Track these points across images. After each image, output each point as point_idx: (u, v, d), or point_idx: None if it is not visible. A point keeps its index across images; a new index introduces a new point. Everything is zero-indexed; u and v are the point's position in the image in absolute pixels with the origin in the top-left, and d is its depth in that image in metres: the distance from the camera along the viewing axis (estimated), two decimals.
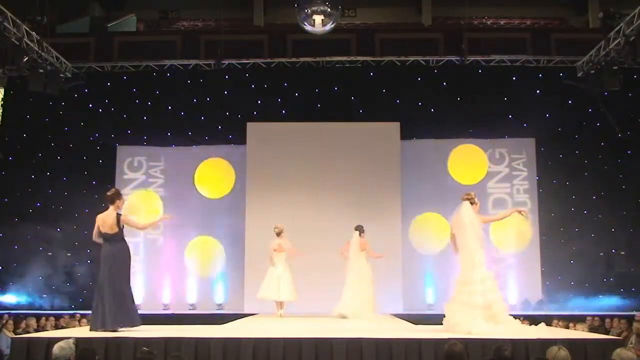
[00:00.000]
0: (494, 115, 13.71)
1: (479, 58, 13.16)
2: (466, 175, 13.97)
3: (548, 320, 10.54)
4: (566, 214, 13.64)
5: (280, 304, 10.71)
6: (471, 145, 14.17)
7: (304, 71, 13.70)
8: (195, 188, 14.32)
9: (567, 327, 10.26)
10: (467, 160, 14.09)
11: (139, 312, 7.48)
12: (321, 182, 13.63)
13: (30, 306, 13.23)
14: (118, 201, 7.13)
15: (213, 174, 14.32)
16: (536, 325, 7.48)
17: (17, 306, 13.17)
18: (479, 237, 7.10)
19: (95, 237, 7.21)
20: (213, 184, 14.32)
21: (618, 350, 4.59)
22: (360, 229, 10.67)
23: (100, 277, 7.01)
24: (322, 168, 13.68)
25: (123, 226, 7.12)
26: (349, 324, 8.86)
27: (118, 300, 6.88)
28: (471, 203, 7.22)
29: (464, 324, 6.65)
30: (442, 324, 7.16)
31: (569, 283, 13.41)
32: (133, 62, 13.46)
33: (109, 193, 7.19)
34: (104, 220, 7.08)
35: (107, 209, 7.13)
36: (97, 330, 6.82)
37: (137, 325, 7.00)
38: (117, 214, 7.08)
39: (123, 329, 6.82)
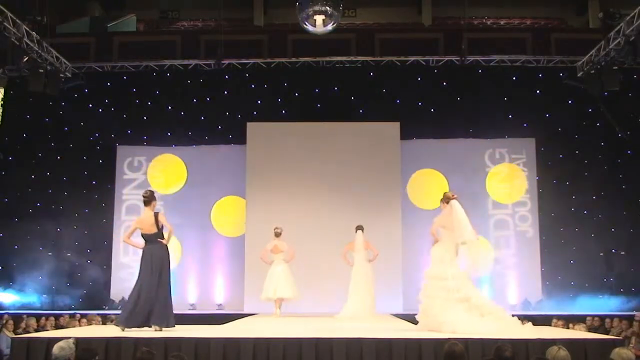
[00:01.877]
0: (494, 115, 13.72)
1: (479, 58, 13.15)
2: (507, 196, 14.21)
3: (547, 320, 10.58)
4: (566, 214, 13.62)
5: (278, 303, 10.69)
6: (514, 165, 14.29)
7: (304, 71, 13.68)
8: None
9: (567, 327, 10.24)
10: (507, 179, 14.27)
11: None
12: (321, 182, 13.61)
13: (30, 306, 13.22)
14: (154, 202, 7.25)
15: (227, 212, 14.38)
16: (534, 325, 7.44)
17: (17, 306, 13.16)
18: (462, 237, 7.10)
19: (125, 238, 7.36)
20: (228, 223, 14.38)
21: (617, 349, 4.59)
22: (362, 228, 10.69)
23: (143, 277, 7.07)
24: (322, 168, 13.66)
25: (162, 226, 7.17)
26: (349, 324, 8.85)
27: (167, 300, 7.08)
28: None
29: (448, 323, 6.62)
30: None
31: (569, 283, 13.42)
32: (133, 62, 13.44)
33: (145, 194, 7.28)
34: (143, 222, 7.17)
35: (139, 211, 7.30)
36: (130, 327, 6.88)
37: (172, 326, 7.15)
38: (155, 212, 7.15)
39: (167, 328, 6.99)
